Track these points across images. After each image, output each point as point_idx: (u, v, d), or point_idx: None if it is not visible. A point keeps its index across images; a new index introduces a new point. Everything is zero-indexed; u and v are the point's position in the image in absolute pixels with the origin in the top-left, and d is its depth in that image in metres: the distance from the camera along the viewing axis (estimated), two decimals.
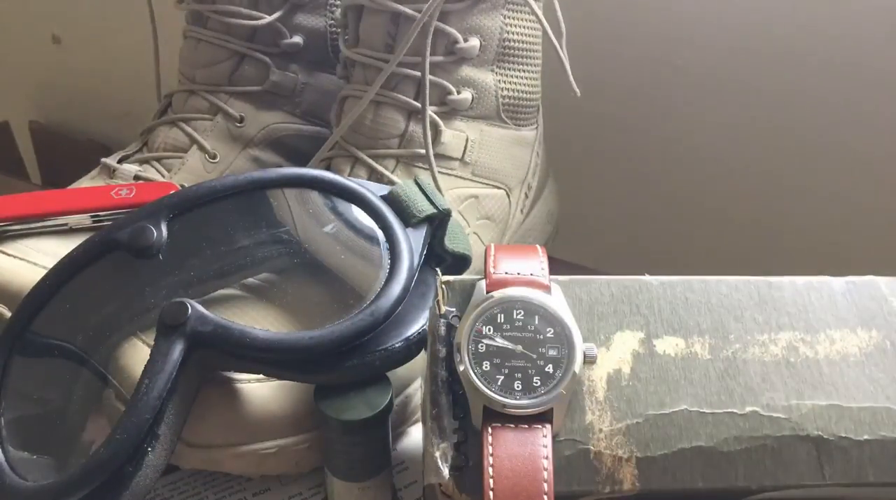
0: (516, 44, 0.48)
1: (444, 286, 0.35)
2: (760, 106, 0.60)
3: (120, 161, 0.51)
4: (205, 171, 0.50)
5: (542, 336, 0.33)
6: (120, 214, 0.44)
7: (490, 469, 0.30)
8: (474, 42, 0.46)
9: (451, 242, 0.41)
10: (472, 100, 0.47)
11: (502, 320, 0.33)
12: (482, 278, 0.34)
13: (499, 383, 0.32)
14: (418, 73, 0.45)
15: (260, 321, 0.40)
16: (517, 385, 0.32)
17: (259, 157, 0.52)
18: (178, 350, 0.34)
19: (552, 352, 0.32)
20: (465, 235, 0.43)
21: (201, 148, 0.50)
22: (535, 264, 0.35)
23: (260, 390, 0.38)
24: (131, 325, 0.40)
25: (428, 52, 0.44)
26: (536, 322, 0.33)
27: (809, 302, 0.35)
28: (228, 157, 0.51)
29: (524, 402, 0.31)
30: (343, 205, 0.40)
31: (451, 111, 0.47)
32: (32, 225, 0.44)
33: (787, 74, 0.58)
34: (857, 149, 0.59)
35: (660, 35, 0.61)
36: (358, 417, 0.35)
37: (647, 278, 0.36)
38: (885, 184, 0.59)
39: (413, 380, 0.42)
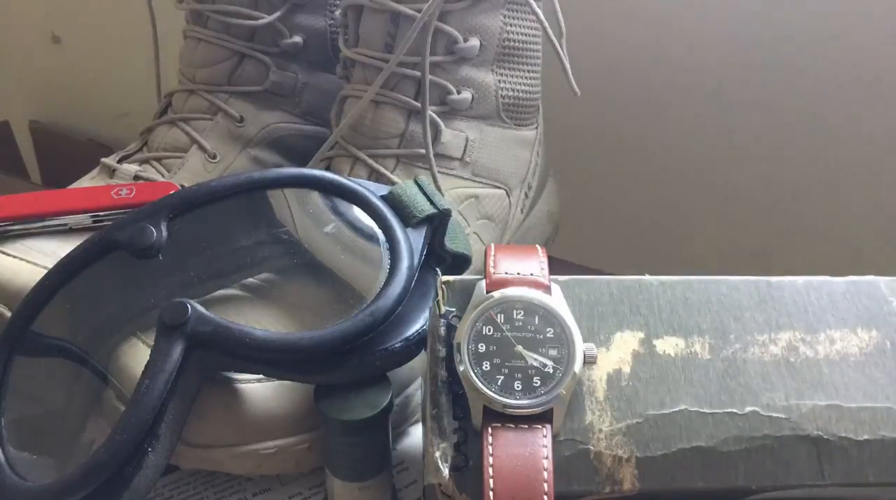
0: (516, 44, 0.48)
1: (444, 286, 0.35)
2: (760, 106, 0.60)
3: (120, 161, 0.51)
4: (205, 171, 0.50)
5: (542, 336, 0.33)
6: (120, 214, 0.44)
7: (490, 469, 0.30)
8: (474, 42, 0.46)
9: (451, 242, 0.41)
10: (472, 100, 0.47)
11: (502, 320, 0.33)
12: (482, 278, 0.34)
13: (499, 383, 0.32)
14: (418, 73, 0.45)
15: (260, 321, 0.40)
16: (517, 385, 0.32)
17: (259, 157, 0.52)
18: (178, 350, 0.34)
19: (552, 352, 0.32)
20: (465, 235, 0.43)
21: (201, 148, 0.50)
22: (535, 264, 0.35)
23: (260, 391, 0.38)
24: (131, 325, 0.40)
25: (428, 52, 0.44)
26: (536, 322, 0.33)
27: (809, 302, 0.35)
28: (228, 157, 0.51)
29: (524, 402, 0.31)
30: (343, 205, 0.40)
31: (451, 111, 0.47)
32: (32, 225, 0.44)
33: (787, 74, 0.58)
34: (857, 149, 0.59)
35: (660, 35, 0.61)
36: (358, 417, 0.35)
37: (647, 278, 0.35)
38: (885, 184, 0.59)
39: (413, 380, 0.42)
